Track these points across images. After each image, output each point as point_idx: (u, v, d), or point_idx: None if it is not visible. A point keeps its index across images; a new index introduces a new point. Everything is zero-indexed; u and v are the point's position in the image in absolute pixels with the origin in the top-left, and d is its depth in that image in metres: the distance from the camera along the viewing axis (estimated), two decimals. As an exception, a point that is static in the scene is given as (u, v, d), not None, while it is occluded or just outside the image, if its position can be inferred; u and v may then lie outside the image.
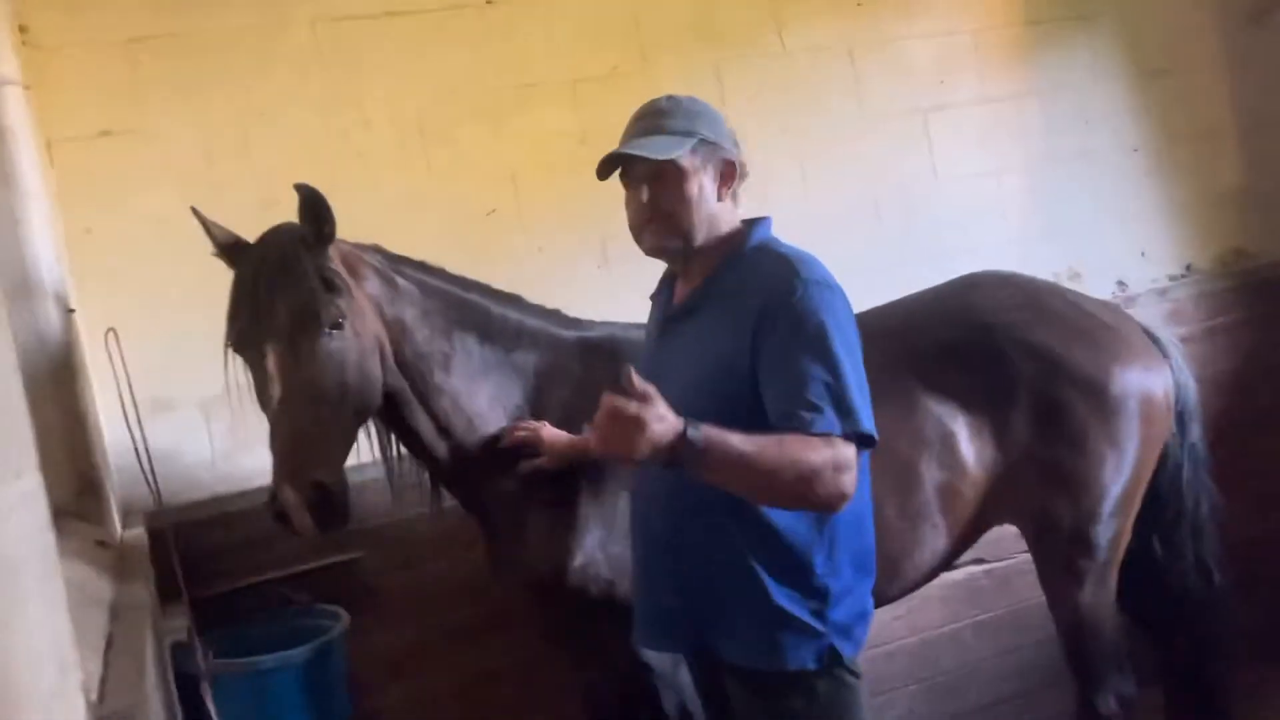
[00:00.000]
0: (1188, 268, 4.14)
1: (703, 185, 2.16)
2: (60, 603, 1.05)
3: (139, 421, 2.57)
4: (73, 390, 2.51)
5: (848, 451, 1.96)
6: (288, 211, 2.41)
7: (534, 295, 2.81)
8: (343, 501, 2.34)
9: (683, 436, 1.86)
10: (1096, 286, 3.82)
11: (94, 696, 1.22)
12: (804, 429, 1.94)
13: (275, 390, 2.32)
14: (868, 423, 1.98)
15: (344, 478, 2.35)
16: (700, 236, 2.18)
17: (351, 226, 2.62)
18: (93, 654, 1.39)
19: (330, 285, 2.35)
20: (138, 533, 2.63)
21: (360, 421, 2.46)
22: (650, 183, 2.15)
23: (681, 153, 2.13)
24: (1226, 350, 4.02)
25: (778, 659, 2.11)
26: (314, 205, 2.36)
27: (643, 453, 1.86)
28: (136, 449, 2.56)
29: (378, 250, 2.61)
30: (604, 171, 2.21)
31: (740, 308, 2.10)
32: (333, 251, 2.43)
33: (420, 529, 3.12)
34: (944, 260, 3.49)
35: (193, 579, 2.67)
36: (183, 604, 2.54)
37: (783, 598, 2.09)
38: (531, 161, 3.39)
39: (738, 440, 1.90)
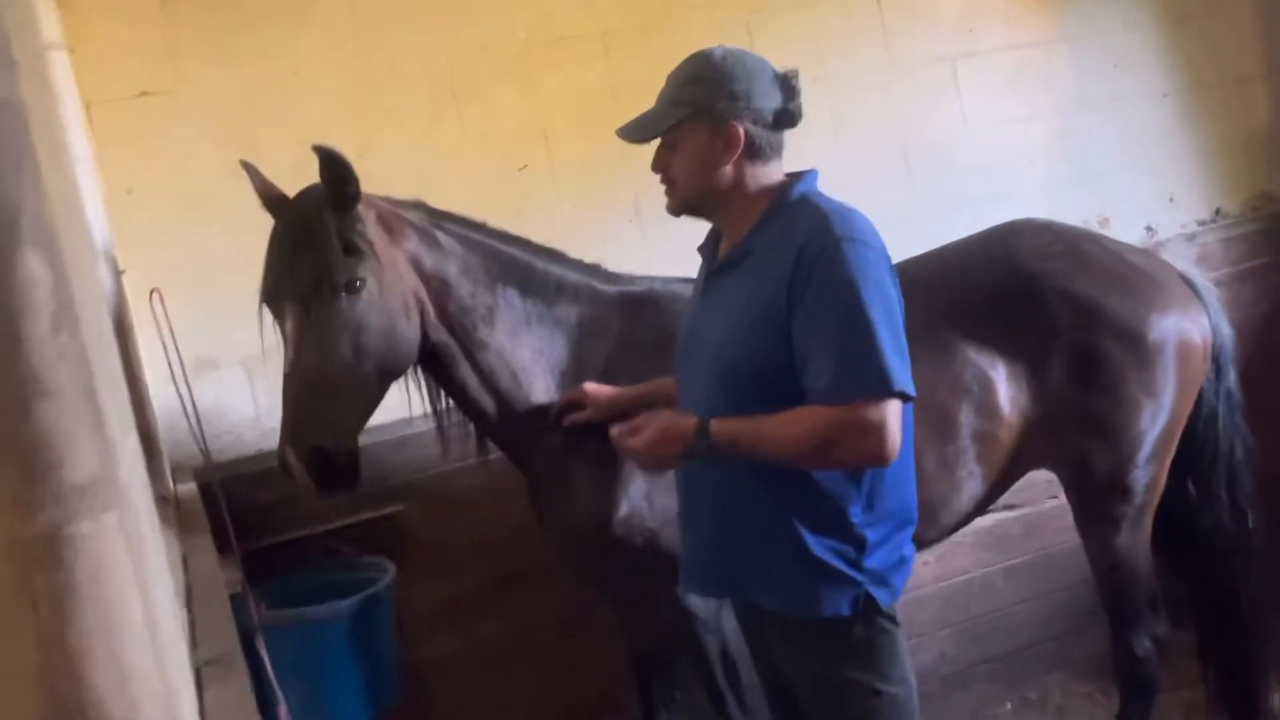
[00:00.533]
0: (1216, 212, 4.14)
1: (702, 153, 2.18)
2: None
3: (186, 380, 2.61)
4: (126, 351, 2.55)
5: (875, 413, 1.99)
6: (324, 171, 2.44)
7: (566, 250, 2.82)
8: (346, 465, 2.39)
9: (691, 445, 2.11)
10: (1125, 232, 3.82)
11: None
12: (827, 394, 2.00)
13: (288, 351, 2.37)
14: (901, 382, 2.00)
15: (350, 442, 2.40)
16: (700, 201, 2.23)
17: (387, 184, 2.64)
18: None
19: (350, 248, 2.37)
20: (189, 488, 2.68)
21: (387, 381, 2.49)
22: (660, 149, 2.23)
23: (668, 124, 2.18)
24: (1254, 294, 4.03)
25: (814, 606, 2.15)
26: (334, 166, 2.36)
27: (677, 452, 2.15)
28: (184, 407, 2.60)
29: (419, 206, 2.63)
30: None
31: (777, 262, 2.12)
32: (366, 211, 2.44)
33: (464, 481, 3.18)
34: (974, 208, 3.50)
35: (241, 533, 2.72)
36: (234, 557, 2.59)
37: (819, 547, 2.13)
38: (563, 117, 3.40)
39: (749, 431, 2.06)
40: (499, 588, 3.28)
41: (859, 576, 2.14)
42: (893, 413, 2.00)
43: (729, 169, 2.20)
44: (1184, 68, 4.09)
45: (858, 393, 1.98)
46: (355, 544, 3.09)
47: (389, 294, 2.43)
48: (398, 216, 2.54)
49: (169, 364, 2.59)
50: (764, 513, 2.17)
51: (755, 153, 2.22)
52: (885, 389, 1.98)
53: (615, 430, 2.24)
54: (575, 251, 2.84)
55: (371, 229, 2.44)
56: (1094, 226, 3.73)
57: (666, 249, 3.19)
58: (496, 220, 2.76)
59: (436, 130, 3.28)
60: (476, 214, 2.73)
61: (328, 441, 2.35)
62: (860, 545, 2.14)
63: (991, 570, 3.84)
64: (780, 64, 2.29)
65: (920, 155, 3.79)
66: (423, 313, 2.52)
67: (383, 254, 2.44)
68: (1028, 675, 3.88)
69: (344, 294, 2.35)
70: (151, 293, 2.64)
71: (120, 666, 0.68)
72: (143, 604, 0.72)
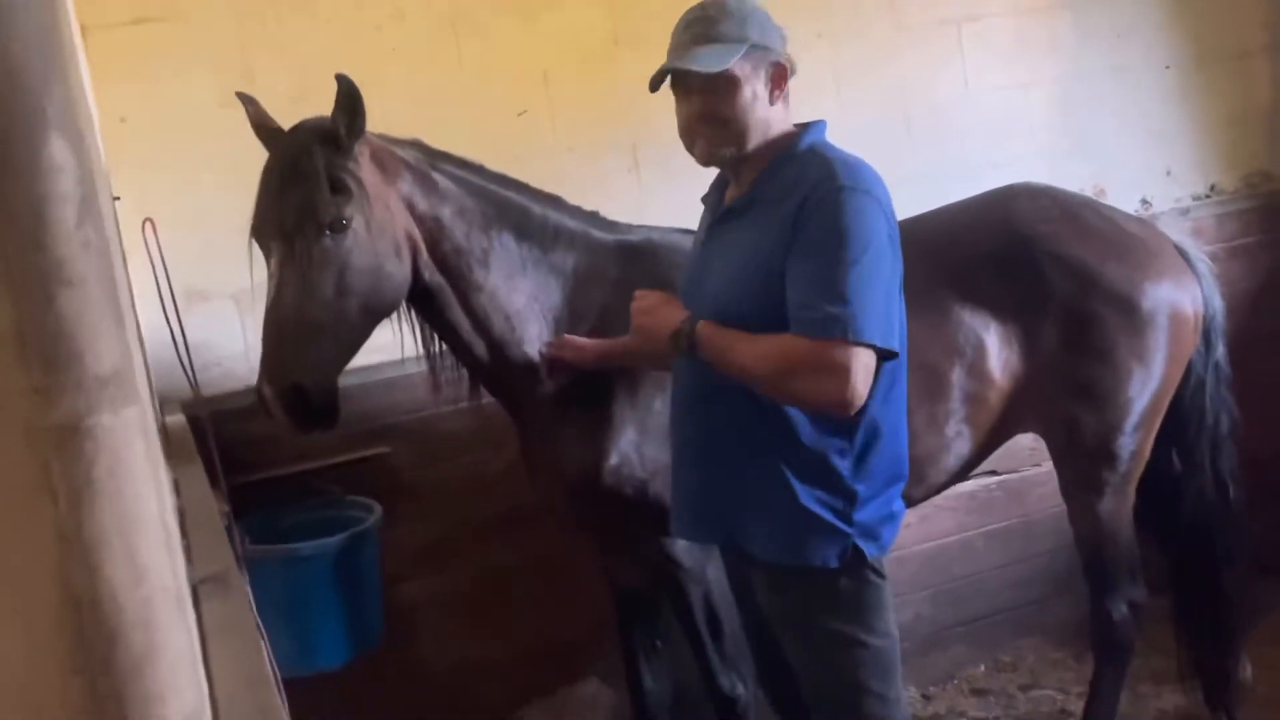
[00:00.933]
0: (1212, 188, 4.14)
1: (756, 92, 2.16)
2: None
3: (177, 311, 2.58)
4: (123, 279, 2.52)
5: (840, 355, 1.97)
6: (319, 104, 2.41)
7: (562, 195, 2.80)
8: (323, 405, 2.37)
9: (688, 320, 2.17)
10: (1120, 203, 3.81)
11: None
12: (800, 328, 2.01)
13: (271, 287, 2.36)
14: (874, 334, 1.99)
15: (328, 381, 2.37)
16: (753, 143, 2.18)
17: (384, 122, 2.61)
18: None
19: (338, 186, 2.34)
20: (178, 420, 2.67)
21: (373, 321, 2.47)
22: (704, 93, 2.15)
23: (733, 62, 2.12)
24: (1245, 271, 4.04)
25: (801, 555, 2.17)
26: (350, 99, 2.34)
27: (663, 335, 2.22)
28: (174, 338, 2.58)
29: (416, 145, 2.60)
30: (655, 83, 2.21)
31: (782, 209, 2.12)
32: (360, 148, 2.42)
33: (453, 425, 3.18)
34: (972, 173, 3.49)
35: (228, 467, 2.71)
36: (220, 490, 2.59)
37: (808, 498, 2.15)
38: (564, 60, 3.36)
39: (726, 336, 2.12)
40: (485, 531, 3.29)
41: (848, 529, 2.15)
42: (860, 361, 1.98)
43: (768, 110, 2.18)
44: (1187, 40, 4.07)
45: (826, 332, 1.97)
46: (343, 483, 3.08)
47: (378, 233, 2.40)
48: (393, 155, 2.51)
49: (160, 295, 2.57)
50: (756, 462, 2.19)
51: (785, 97, 2.22)
52: (855, 336, 1.97)
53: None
54: (572, 199, 2.82)
55: (364, 167, 2.41)
56: (1090, 196, 3.73)
57: (664, 199, 3.19)
58: (493, 162, 2.73)
59: (436, 68, 3.24)
60: (474, 155, 2.70)
61: (305, 380, 2.33)
62: (850, 498, 2.16)
63: (972, 534, 3.87)
64: (787, 18, 2.28)
65: (921, 118, 3.78)
66: (415, 253, 2.49)
67: (374, 192, 2.41)
68: (1002, 639, 3.93)
69: (329, 232, 2.32)
70: (144, 222, 2.61)
71: (135, 562, 0.68)
72: (158, 503, 0.72)
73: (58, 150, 0.65)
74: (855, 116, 3.60)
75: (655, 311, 2.27)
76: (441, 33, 3.25)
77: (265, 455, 3.02)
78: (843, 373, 1.97)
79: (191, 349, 2.67)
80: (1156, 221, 3.84)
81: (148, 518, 0.69)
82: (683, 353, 2.19)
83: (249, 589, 2.48)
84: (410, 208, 2.49)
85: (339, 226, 2.33)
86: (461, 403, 2.85)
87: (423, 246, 2.51)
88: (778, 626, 2.33)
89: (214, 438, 2.57)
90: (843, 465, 2.16)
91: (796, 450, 2.15)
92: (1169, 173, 4.08)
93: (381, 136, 2.54)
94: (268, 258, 2.41)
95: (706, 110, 2.16)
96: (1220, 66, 4.12)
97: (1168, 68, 4.05)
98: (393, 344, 2.78)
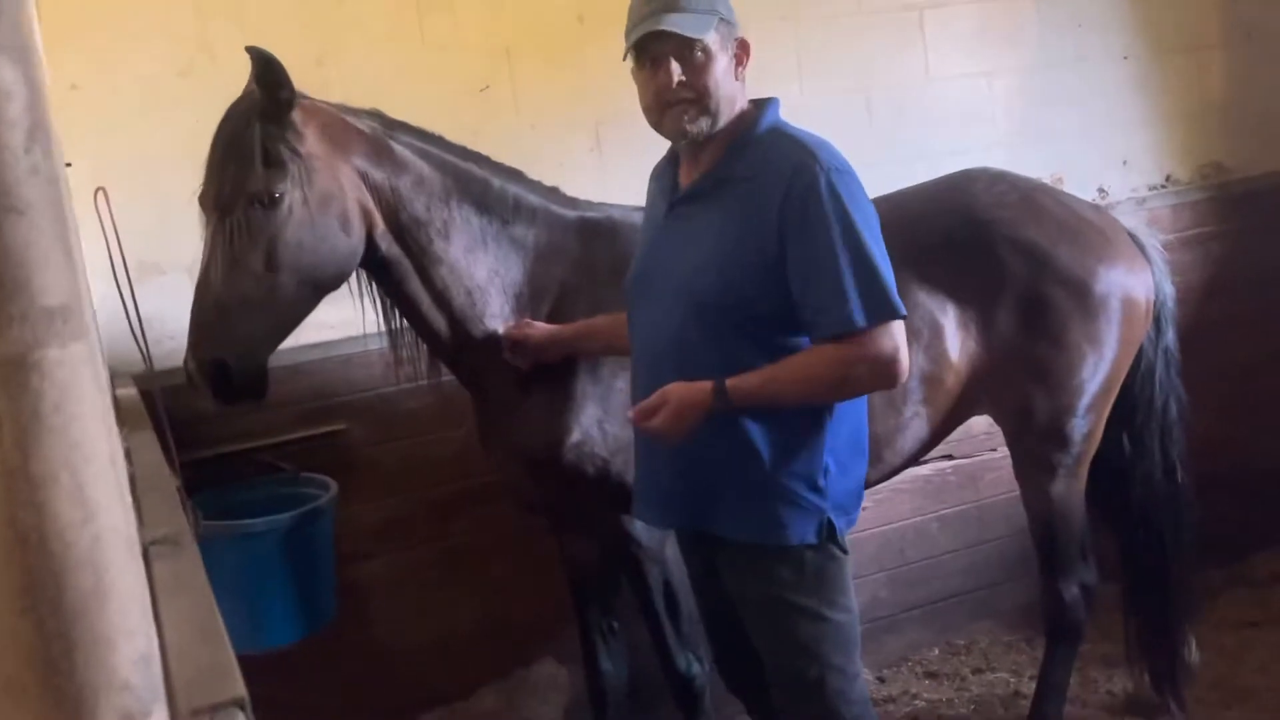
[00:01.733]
0: (1167, 178, 4.19)
1: (724, 65, 2.16)
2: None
3: (130, 283, 2.54)
4: (73, 219, 2.48)
5: (888, 340, 2.07)
6: (278, 77, 2.37)
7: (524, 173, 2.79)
8: (248, 381, 2.36)
9: (711, 404, 2.09)
10: (1078, 192, 3.81)
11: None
12: (834, 328, 2.05)
13: (201, 260, 2.34)
14: (899, 304, 2.07)
15: (254, 357, 2.36)
16: (724, 118, 2.18)
17: (344, 94, 2.58)
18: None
19: (271, 159, 2.30)
20: (129, 392, 2.62)
21: (315, 296, 2.44)
22: (680, 62, 2.12)
23: (709, 31, 2.11)
24: (1199, 260, 4.09)
25: (778, 534, 2.18)
26: (268, 71, 2.30)
27: (699, 419, 2.12)
28: (126, 311, 2.54)
29: (375, 115, 2.57)
30: (629, 50, 2.18)
31: (761, 192, 2.12)
32: (306, 119, 2.37)
33: (410, 404, 3.15)
34: (932, 160, 3.50)
35: (181, 442, 2.67)
36: (172, 464, 2.55)
37: (784, 474, 2.16)
38: (528, 37, 3.34)
39: (766, 384, 2.08)
40: (443, 510, 3.27)
41: (822, 503, 2.19)
42: (900, 336, 2.09)
43: (733, 87, 2.18)
44: (1145, 31, 4.11)
45: (871, 321, 2.03)
46: (298, 460, 3.05)
47: (320, 206, 2.36)
48: (346, 125, 2.47)
49: (112, 266, 2.53)
50: (729, 444, 2.19)
51: (744, 75, 2.22)
52: (893, 314, 2.06)
53: (632, 414, 2.21)
54: (534, 177, 2.80)
55: (309, 138, 2.37)
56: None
57: (626, 179, 3.15)
58: (454, 139, 2.70)
59: (397, 42, 3.20)
60: (435, 130, 2.68)
61: (228, 355, 2.31)
62: (825, 472, 2.19)
63: (927, 518, 3.90)
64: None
65: (882, 104, 3.79)
66: (370, 225, 2.46)
67: (320, 164, 2.37)
68: (956, 622, 3.96)
69: (259, 206, 2.29)
70: (96, 191, 2.56)
71: (84, 499, 0.66)
72: (108, 442, 0.70)
73: (7, 74, 0.63)
74: (817, 101, 3.61)
75: (679, 411, 2.12)
76: (404, 6, 3.21)
77: (219, 431, 2.98)
78: (897, 353, 2.07)
79: (144, 322, 2.63)
80: (1113, 211, 3.89)
81: (96, 455, 0.67)
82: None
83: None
84: (364, 178, 2.45)
85: (270, 201, 2.29)
86: (420, 381, 2.82)
87: (378, 217, 2.48)
88: (740, 601, 2.33)
89: (166, 412, 2.55)
90: (816, 440, 2.18)
91: (771, 423, 2.16)
92: (1125, 163, 4.13)
93: (339, 106, 2.51)
94: (205, 230, 2.39)
95: (682, 81, 2.13)
96: (1177, 58, 4.17)
97: (1125, 58, 4.09)
98: (352, 320, 2.76)
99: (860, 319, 2.04)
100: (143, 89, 2.92)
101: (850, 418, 2.22)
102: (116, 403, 2.36)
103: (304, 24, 3.06)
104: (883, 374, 2.10)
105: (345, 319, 2.81)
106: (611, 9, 2.22)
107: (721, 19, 2.14)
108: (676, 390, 2.12)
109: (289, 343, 2.99)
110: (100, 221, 2.53)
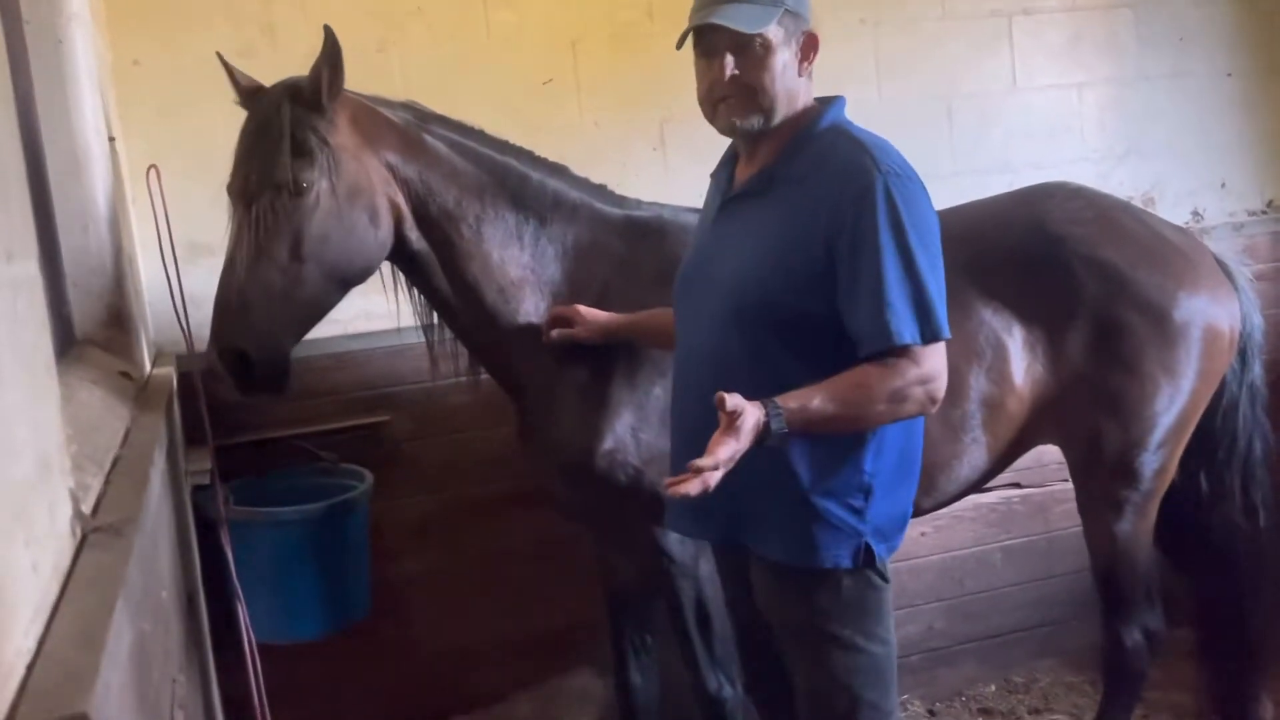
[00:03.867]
0: (1269, 204, 3.96)
1: (786, 60, 2.05)
2: (48, 398, 1.01)
3: (176, 262, 2.53)
4: (117, 224, 2.47)
5: (933, 359, 1.96)
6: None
7: (584, 171, 2.71)
8: (270, 373, 2.30)
9: (767, 427, 1.87)
10: (1171, 215, 3.64)
11: (87, 509, 1.19)
12: (883, 343, 1.93)
13: (227, 250, 2.31)
14: (946, 326, 1.97)
15: (275, 349, 2.30)
16: (780, 114, 2.07)
17: (404, 84, 2.54)
18: (97, 471, 1.35)
19: (301, 149, 2.26)
20: (166, 371, 2.61)
21: (342, 287, 2.39)
22: (735, 55, 2.03)
23: (770, 24, 2.01)
24: (1296, 294, 3.86)
25: (813, 555, 2.07)
26: (333, 56, 2.28)
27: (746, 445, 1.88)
28: (171, 290, 2.53)
29: (409, 107, 2.52)
30: (682, 40, 2.10)
31: (813, 193, 2.01)
32: (339, 110, 2.33)
33: (455, 399, 3.10)
34: (1014, 173, 3.38)
35: (221, 426, 2.65)
36: (207, 447, 2.53)
37: (821, 494, 2.05)
38: (595, 31, 3.27)
39: (818, 401, 1.91)
40: (484, 510, 3.21)
41: (861, 526, 2.06)
42: (942, 359, 1.98)
43: (795, 82, 2.08)
44: (1252, 49, 3.90)
45: (914, 339, 1.93)
46: (340, 450, 3.01)
47: (348, 198, 2.31)
48: (377, 117, 2.43)
49: (159, 245, 2.52)
50: (768, 459, 2.06)
51: (810, 71, 2.11)
52: (937, 336, 1.95)
53: (694, 464, 1.89)
54: (595, 177, 2.73)
55: (340, 129, 2.33)
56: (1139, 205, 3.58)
57: (690, 180, 3.06)
58: (515, 133, 2.65)
59: (462, 33, 3.16)
60: (496, 125, 2.62)
61: (250, 346, 2.26)
62: (866, 494, 2.06)
63: (990, 548, 3.73)
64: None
65: (964, 113, 3.64)
66: (399, 219, 2.42)
67: (349, 156, 2.33)
68: (1016, 659, 3.79)
69: (286, 196, 2.25)
70: (149, 169, 2.56)
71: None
72: None
73: None
74: (895, 107, 3.48)
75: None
76: (471, -7, 3.16)
77: (260, 417, 2.96)
78: (940, 376, 1.98)
79: (191, 302, 2.62)
80: (1208, 236, 3.69)
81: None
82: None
83: (229, 550, 2.43)
84: (393, 171, 2.40)
85: (297, 189, 2.25)
86: (463, 377, 2.77)
87: (407, 211, 2.43)
88: (775, 624, 2.22)
89: (206, 395, 2.53)
90: (855, 459, 2.05)
91: (807, 443, 2.04)
92: (1224, 185, 3.91)
93: (371, 98, 2.46)
94: (233, 218, 2.36)
95: (736, 75, 2.03)
96: (1286, 77, 3.94)
97: (1229, 75, 3.87)
98: (401, 311, 2.71)
99: (910, 336, 1.92)
100: (203, 68, 2.88)
101: (898, 439, 2.08)
102: (146, 382, 2.34)
103: (368, 10, 3.04)
104: (929, 395, 1.97)
105: (393, 310, 2.77)
106: (683, 4, 2.12)
107: (787, 11, 2.03)
108: (726, 438, 1.88)
109: (335, 331, 2.99)
110: (150, 199, 2.53)
